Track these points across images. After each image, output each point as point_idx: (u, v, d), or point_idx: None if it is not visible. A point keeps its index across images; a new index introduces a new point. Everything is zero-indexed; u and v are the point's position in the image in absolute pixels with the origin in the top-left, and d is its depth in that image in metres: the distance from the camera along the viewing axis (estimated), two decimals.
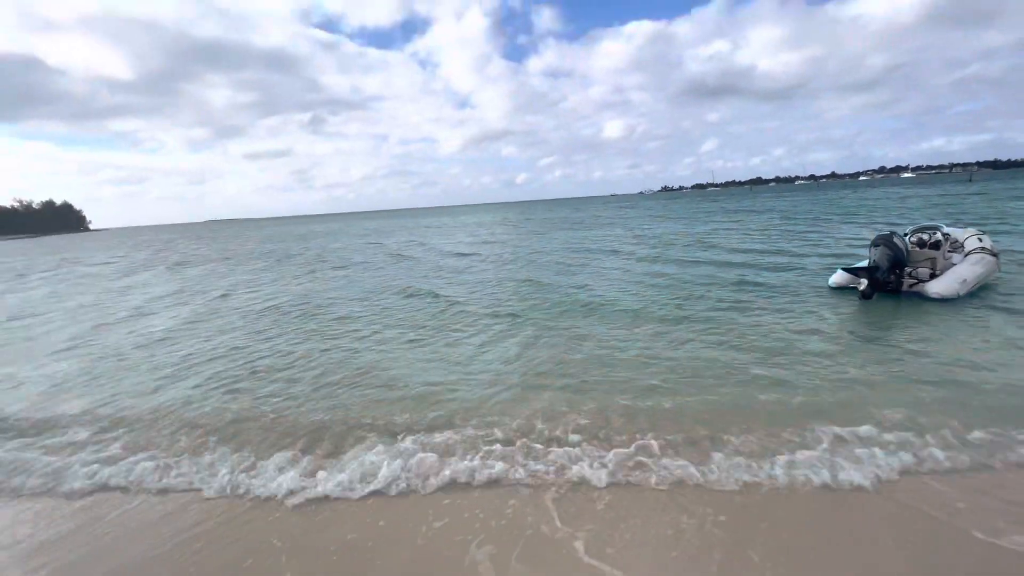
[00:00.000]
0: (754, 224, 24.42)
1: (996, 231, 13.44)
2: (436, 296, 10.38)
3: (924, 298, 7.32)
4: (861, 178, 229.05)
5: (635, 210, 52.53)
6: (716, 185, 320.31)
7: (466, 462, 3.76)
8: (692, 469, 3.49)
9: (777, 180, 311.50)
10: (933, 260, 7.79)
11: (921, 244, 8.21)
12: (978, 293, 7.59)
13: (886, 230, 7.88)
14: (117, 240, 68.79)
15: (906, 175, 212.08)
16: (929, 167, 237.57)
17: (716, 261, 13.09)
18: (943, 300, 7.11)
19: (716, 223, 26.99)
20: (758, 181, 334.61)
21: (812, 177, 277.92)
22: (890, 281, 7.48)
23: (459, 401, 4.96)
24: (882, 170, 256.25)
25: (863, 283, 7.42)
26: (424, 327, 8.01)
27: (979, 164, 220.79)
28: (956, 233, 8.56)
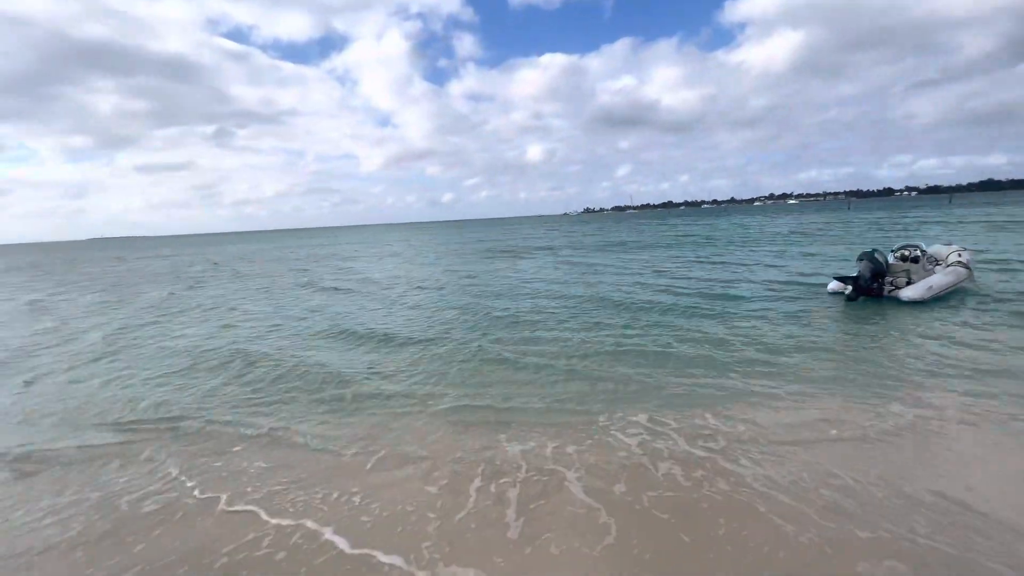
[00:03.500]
0: (736, 256, 25.25)
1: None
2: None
3: (900, 301, 8.77)
4: (755, 203, 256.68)
5: (592, 237, 53.15)
6: (634, 208, 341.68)
7: None
8: None
9: (686, 204, 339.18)
10: (909, 272, 9.32)
11: (903, 259, 9.70)
12: (949, 298, 8.85)
13: (869, 248, 9.55)
14: None
15: (791, 202, 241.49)
16: (808, 195, 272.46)
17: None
18: (913, 302, 8.59)
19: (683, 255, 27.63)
20: (669, 204, 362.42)
21: (715, 201, 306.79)
22: (872, 288, 8.96)
23: None
24: (771, 196, 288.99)
25: (848, 288, 9.08)
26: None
27: (846, 193, 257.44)
28: (939, 249, 10.18)
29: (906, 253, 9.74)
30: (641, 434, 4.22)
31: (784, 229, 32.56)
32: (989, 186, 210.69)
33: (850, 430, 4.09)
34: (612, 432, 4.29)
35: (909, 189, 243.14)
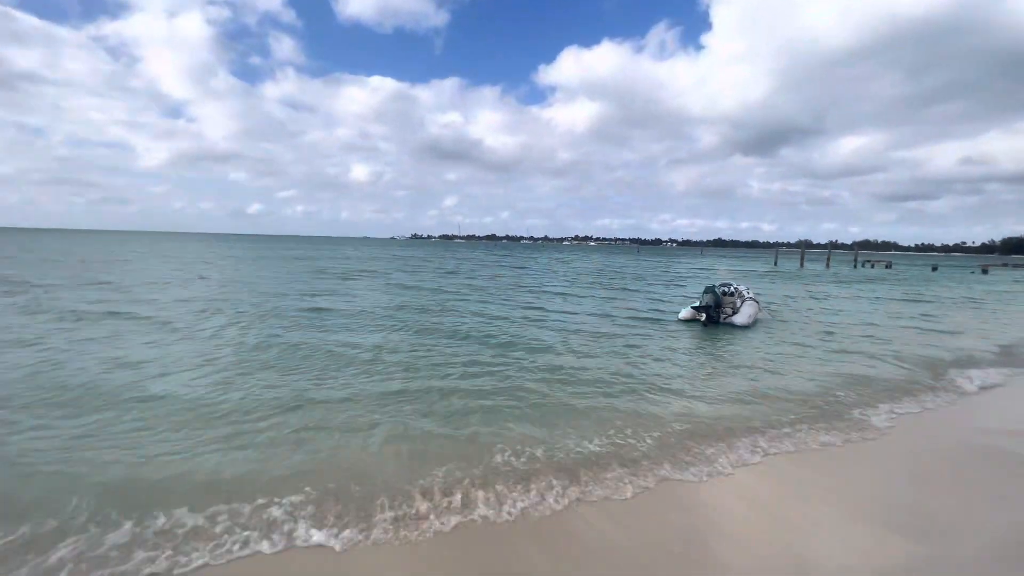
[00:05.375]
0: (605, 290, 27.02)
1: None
2: None
3: (734, 326, 11.18)
4: (564, 242, 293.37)
5: (436, 260, 51.90)
6: (461, 237, 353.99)
7: None
8: None
9: (508, 237, 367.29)
10: (733, 303, 11.96)
11: (725, 293, 12.30)
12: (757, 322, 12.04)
13: (711, 283, 12.46)
14: None
15: (592, 243, 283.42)
16: (604, 239, 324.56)
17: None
18: (744, 327, 11.09)
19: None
20: (493, 236, 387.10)
21: (532, 238, 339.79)
22: (715, 316, 11.26)
23: None
24: (577, 237, 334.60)
25: (704, 316, 11.29)
26: None
27: (631, 240, 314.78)
28: (739, 288, 13.18)
29: (725, 289, 12.44)
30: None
31: (596, 267, 37.85)
32: (719, 243, 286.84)
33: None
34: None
35: (671, 240, 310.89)
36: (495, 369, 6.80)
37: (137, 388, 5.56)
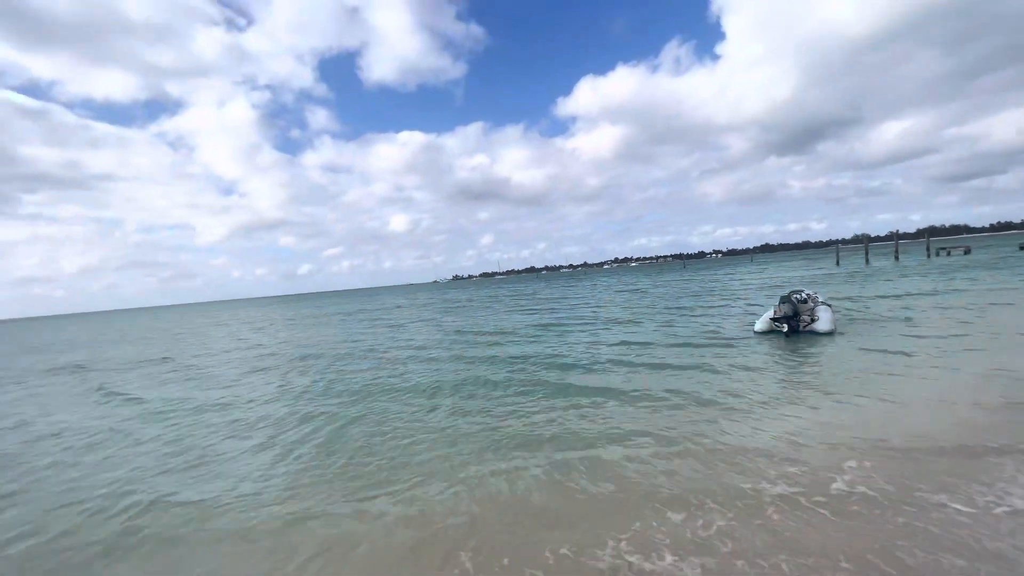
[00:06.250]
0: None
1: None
2: None
3: (816, 333, 10.69)
4: (604, 266, 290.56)
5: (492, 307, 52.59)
6: (501, 273, 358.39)
7: None
8: None
9: (547, 268, 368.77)
10: (810, 310, 11.30)
11: (800, 301, 11.58)
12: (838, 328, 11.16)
13: (786, 291, 12.19)
14: None
15: (633, 264, 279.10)
16: (644, 257, 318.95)
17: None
18: (828, 333, 10.54)
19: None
20: (532, 269, 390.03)
21: (571, 266, 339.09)
22: (795, 325, 10.93)
23: None
24: (616, 260, 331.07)
25: (786, 327, 10.86)
26: None
27: (672, 256, 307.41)
28: (811, 293, 12.43)
29: (799, 297, 11.81)
30: None
31: (650, 287, 36.75)
32: (767, 248, 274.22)
33: None
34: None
35: (716, 251, 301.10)
36: None
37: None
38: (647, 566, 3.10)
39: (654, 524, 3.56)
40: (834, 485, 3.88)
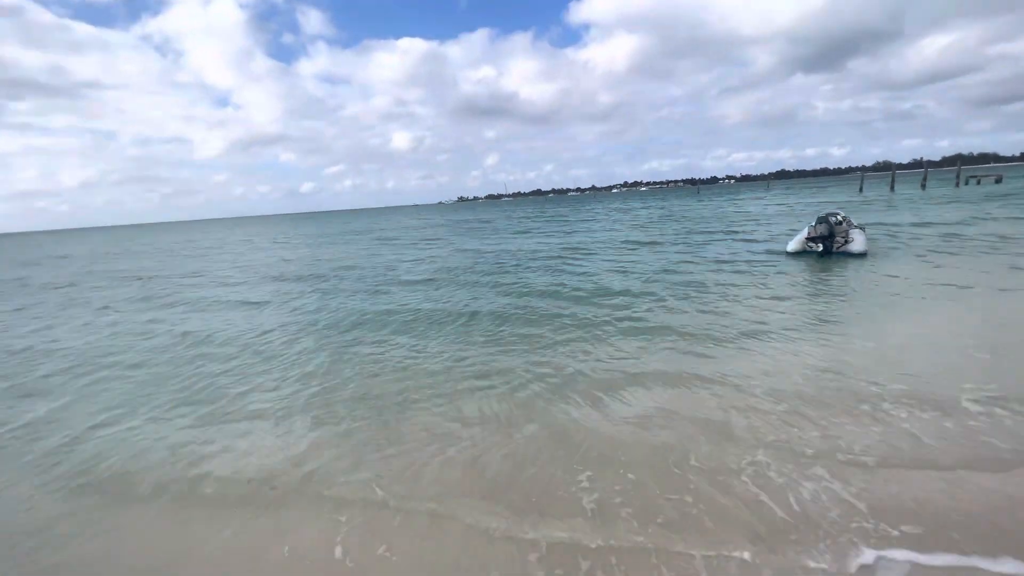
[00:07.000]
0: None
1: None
2: None
3: (849, 254, 10.95)
4: (613, 191, 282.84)
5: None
6: (508, 196, 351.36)
7: None
8: None
9: (554, 191, 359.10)
10: (845, 232, 11.51)
11: (836, 223, 11.75)
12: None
13: (823, 212, 12.25)
14: None
15: (643, 188, 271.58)
16: (654, 182, 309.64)
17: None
18: (861, 254, 10.82)
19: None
20: (539, 192, 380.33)
21: (579, 189, 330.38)
22: (829, 246, 11.10)
23: None
24: (625, 184, 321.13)
25: (820, 246, 11.10)
26: None
27: (684, 181, 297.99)
28: (847, 216, 12.75)
29: (834, 219, 11.99)
30: None
31: (658, 213, 36.16)
32: (783, 175, 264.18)
33: None
34: None
35: (729, 177, 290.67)
36: None
37: None
38: None
39: None
40: None
